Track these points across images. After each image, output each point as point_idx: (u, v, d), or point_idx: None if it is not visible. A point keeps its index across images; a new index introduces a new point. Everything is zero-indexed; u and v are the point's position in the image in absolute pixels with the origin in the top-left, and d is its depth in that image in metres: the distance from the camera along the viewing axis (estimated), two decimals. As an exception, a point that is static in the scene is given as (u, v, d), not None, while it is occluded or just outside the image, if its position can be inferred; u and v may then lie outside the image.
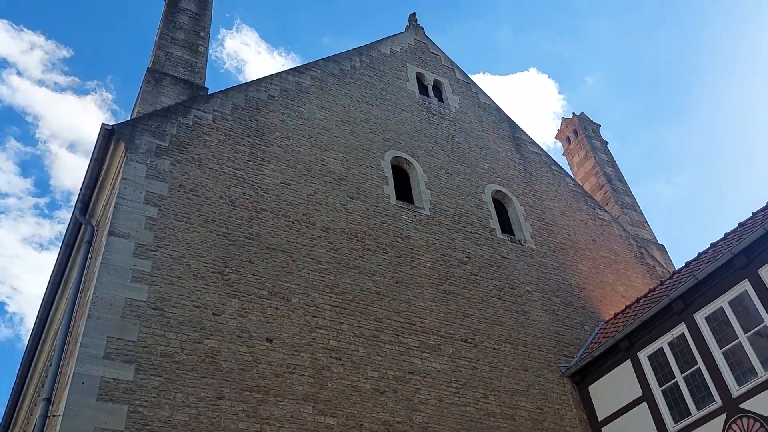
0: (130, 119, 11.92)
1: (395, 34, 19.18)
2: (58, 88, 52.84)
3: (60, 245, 12.53)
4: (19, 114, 52.23)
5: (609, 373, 12.51)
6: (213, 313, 9.93)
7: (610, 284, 15.99)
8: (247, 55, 56.78)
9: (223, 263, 10.64)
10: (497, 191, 16.20)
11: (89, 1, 54.00)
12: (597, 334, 14.33)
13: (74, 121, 53.62)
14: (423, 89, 17.97)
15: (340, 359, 10.53)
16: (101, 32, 54.15)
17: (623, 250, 17.32)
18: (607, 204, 19.30)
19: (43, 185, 53.00)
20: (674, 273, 13.46)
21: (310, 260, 11.60)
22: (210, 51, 15.35)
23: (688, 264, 12.95)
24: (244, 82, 14.41)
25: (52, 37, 54.52)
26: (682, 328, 11.46)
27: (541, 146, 19.11)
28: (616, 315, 14.48)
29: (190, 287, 10.02)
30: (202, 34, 15.12)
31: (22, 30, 50.60)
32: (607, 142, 21.74)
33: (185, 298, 9.87)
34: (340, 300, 11.35)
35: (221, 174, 11.95)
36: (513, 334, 13.03)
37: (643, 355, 11.99)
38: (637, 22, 54.08)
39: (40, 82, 51.54)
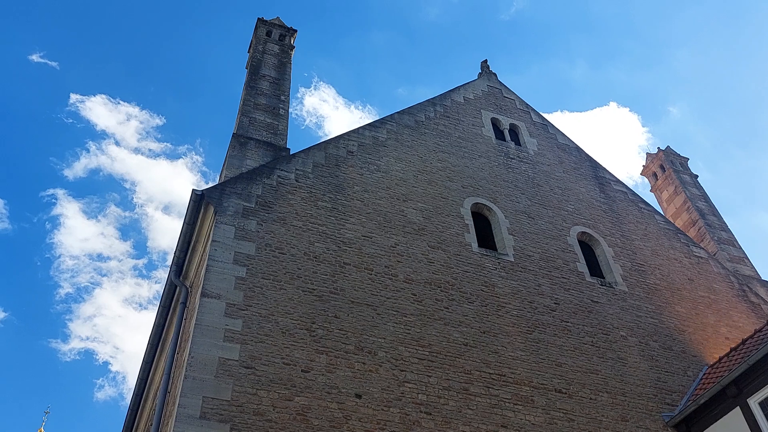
0: (218, 183, 12.52)
1: (468, 82, 19.38)
2: (153, 155, 56.34)
3: (157, 306, 13.16)
4: (118, 181, 55.93)
5: (718, 422, 11.71)
6: (302, 370, 10.07)
7: (711, 326, 15.11)
8: (325, 110, 58.76)
9: (310, 319, 10.83)
10: (583, 233, 15.81)
11: (178, 72, 57.70)
12: (701, 379, 13.50)
13: (168, 185, 56.85)
14: (499, 134, 17.97)
15: (430, 414, 10.39)
16: (190, 100, 57.64)
17: (723, 288, 16.39)
18: (702, 240, 18.40)
19: (141, 247, 56.09)
20: (783, 312, 12.58)
21: (395, 313, 11.63)
22: (290, 110, 16.02)
23: (798, 302, 12.09)
24: (324, 136, 14.98)
25: (146, 107, 58.52)
26: (797, 373, 10.64)
27: (629, 182, 18.87)
28: (720, 359, 13.61)
29: (279, 344, 10.24)
30: (282, 97, 15.82)
31: (119, 103, 54.57)
32: (696, 176, 20.86)
33: (275, 355, 10.08)
34: (427, 353, 11.26)
35: (305, 231, 12.28)
36: (610, 382, 12.47)
37: (753, 402, 11.18)
38: (719, 46, 52.25)
39: (136, 150, 55.17)
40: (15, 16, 53.13)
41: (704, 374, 13.63)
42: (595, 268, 15.16)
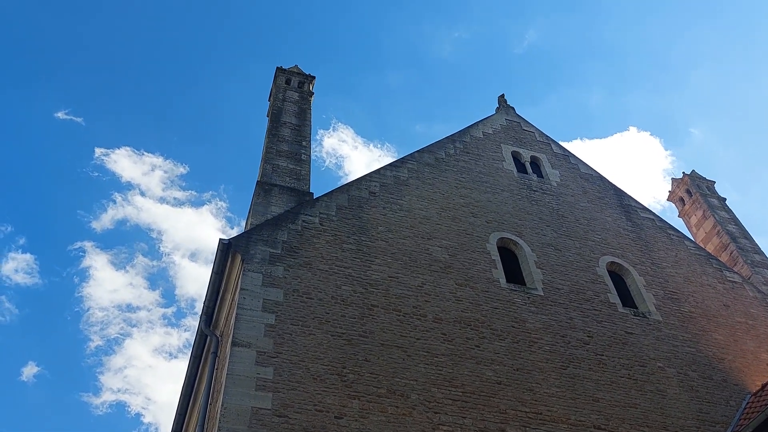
0: (245, 231, 12.68)
1: (486, 117, 19.51)
2: (178, 203, 57.26)
3: (188, 355, 13.23)
4: (144, 231, 56.82)
5: (767, 454, 11.30)
6: (335, 416, 10.00)
7: (751, 352, 14.72)
8: (345, 150, 59.42)
9: (341, 364, 10.79)
10: (612, 263, 15.62)
11: (200, 121, 59.06)
12: (745, 408, 13.10)
13: (193, 232, 57.60)
14: (521, 167, 17.98)
15: (467, 456, 10.20)
16: (212, 148, 58.81)
17: (761, 313, 16.00)
18: (735, 265, 18.06)
19: (169, 295, 56.58)
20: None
21: (426, 354, 11.54)
22: (312, 153, 16.24)
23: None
24: (344, 176, 15.21)
25: (170, 156, 59.75)
26: None
27: (656, 207, 18.84)
28: (763, 386, 13.22)
29: (311, 391, 10.20)
30: (304, 143, 16.09)
31: (143, 154, 55.86)
32: (725, 198, 20.58)
33: (307, 402, 10.04)
34: (460, 393, 11.12)
35: (331, 274, 12.32)
36: (650, 416, 12.16)
37: (803, 432, 10.79)
38: (735, 63, 52.02)
39: (161, 200, 56.13)
40: (42, 75, 55.01)
41: (748, 403, 13.23)
42: (627, 298, 14.93)
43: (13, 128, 53.51)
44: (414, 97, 61.95)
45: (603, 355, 12.98)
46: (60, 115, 53.56)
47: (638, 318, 14.24)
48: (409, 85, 63.21)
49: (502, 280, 13.74)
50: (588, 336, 13.26)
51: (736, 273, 17.15)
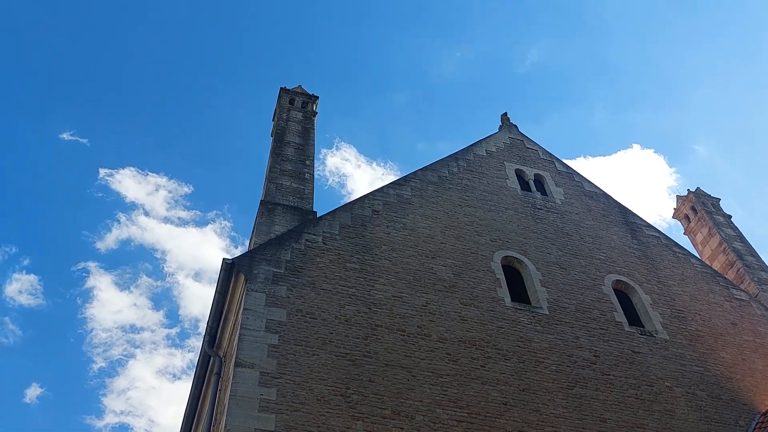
0: (248, 251, 12.65)
1: (489, 135, 19.53)
2: (182, 223, 57.35)
3: (192, 376, 13.14)
4: (149, 251, 56.84)
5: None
6: (339, 438, 9.89)
7: (760, 371, 14.56)
8: (347, 169, 59.57)
9: (345, 385, 10.70)
10: (618, 281, 15.53)
11: (204, 141, 59.34)
12: (755, 428, 12.93)
13: (197, 252, 57.58)
14: (525, 185, 17.96)
15: (473, 479, 10.06)
16: (216, 167, 58.99)
17: (769, 331, 15.85)
18: (741, 282, 17.94)
19: (173, 316, 56.42)
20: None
21: (430, 374, 11.44)
22: (315, 172, 16.24)
23: None
24: (347, 195, 15.18)
25: (174, 176, 59.99)
26: None
27: (661, 224, 18.71)
28: (774, 406, 13.07)
29: (315, 412, 10.10)
30: (307, 162, 16.11)
31: (147, 174, 56.08)
32: (730, 216, 20.50)
33: (311, 423, 9.93)
34: (466, 414, 11.00)
35: (335, 294, 12.26)
36: (658, 437, 12.00)
37: (815, 453, 10.64)
38: (737, 82, 52.16)
39: (166, 219, 56.23)
40: (48, 97, 55.47)
41: (757, 423, 13.06)
42: (633, 316, 14.81)
43: (18, 149, 53.89)
44: (417, 116, 62.25)
45: (610, 374, 12.85)
46: (65, 136, 53.91)
47: (645, 337, 14.12)
48: (412, 104, 63.56)
49: (507, 299, 13.66)
50: (594, 355, 13.14)
51: (743, 291, 17.03)
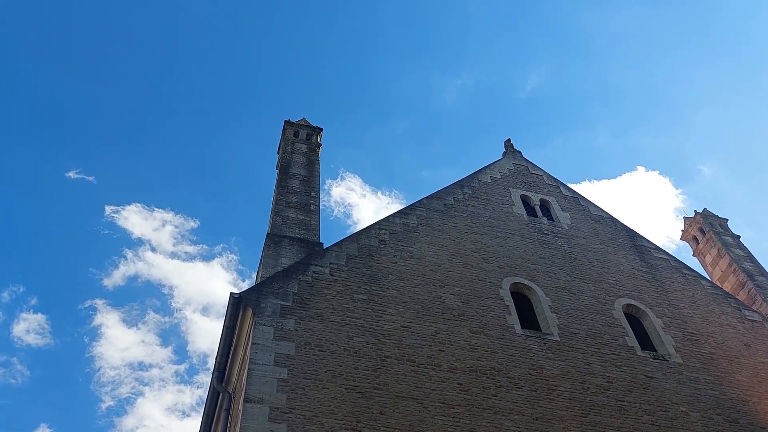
0: (255, 284, 12.63)
1: (494, 162, 19.59)
2: (189, 257, 57.38)
3: (201, 413, 13.01)
4: (156, 287, 56.86)
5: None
6: (351, 473, 9.74)
7: (777, 393, 14.32)
8: (353, 199, 59.75)
9: (355, 418, 10.57)
10: (628, 305, 15.41)
11: (210, 175, 59.73)
12: (775, 453, 12.67)
13: (204, 286, 57.50)
14: (531, 211, 17.95)
15: None
16: (222, 201, 59.26)
17: (785, 352, 15.62)
18: (753, 303, 17.75)
19: (181, 352, 56.13)
20: None
21: (442, 405, 11.30)
22: (320, 203, 16.26)
23: None
24: (353, 224, 15.23)
25: (180, 211, 60.24)
26: None
27: (670, 246, 18.86)
28: (793, 429, 12.82)
29: (325, 447, 9.96)
30: (313, 193, 16.18)
31: (153, 210, 56.32)
32: (739, 236, 20.39)
33: (322, 459, 9.79)
34: (479, 445, 10.82)
35: (343, 325, 12.19)
36: (676, 464, 11.77)
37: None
38: (740, 102, 52.30)
39: (173, 255, 56.31)
40: (53, 135, 56.09)
41: (777, 447, 12.81)
42: (645, 341, 14.65)
43: (25, 188, 54.30)
44: (420, 144, 62.60)
45: (624, 401, 12.67)
46: (71, 174, 54.32)
47: (658, 361, 13.94)
48: (415, 132, 64.01)
49: (517, 327, 13.55)
50: (608, 381, 12.97)
51: (755, 311, 16.85)
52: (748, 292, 18.09)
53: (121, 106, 57.83)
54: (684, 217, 21.73)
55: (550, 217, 17.93)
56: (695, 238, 20.90)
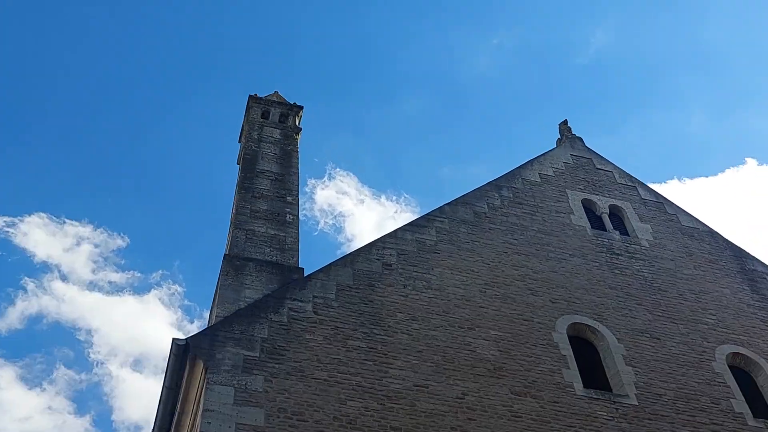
0: (208, 327, 12.69)
1: (544, 153, 19.72)
2: (114, 289, 57.55)
3: None
4: (68, 330, 56.83)
5: None
6: None
7: None
8: (346, 206, 59.86)
9: None
10: (735, 354, 15.47)
11: (143, 176, 59.63)
12: None
13: (136, 330, 57.48)
14: (596, 221, 18.02)
15: None
16: (161, 211, 59.19)
17: None
18: None
19: (104, 422, 55.94)
20: None
21: (472, 497, 11.28)
22: (299, 213, 16.31)
23: None
24: (347, 243, 15.32)
25: (102, 224, 60.35)
26: None
27: None
28: None
29: None
30: (289, 198, 16.25)
31: (64, 222, 56.27)
32: None
33: None
34: None
35: (332, 385, 12.21)
36: None
37: None
38: None
39: (91, 285, 56.33)
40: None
41: None
42: (758, 404, 14.70)
43: None
44: (439, 131, 62.56)
45: (730, 490, 12.65)
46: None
47: (778, 434, 13.95)
48: (432, 114, 63.90)
49: (578, 385, 13.58)
50: (706, 463, 12.97)
51: None
52: None
53: (14, 85, 57.69)
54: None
55: (623, 231, 17.97)
56: (829, 260, 20.88)
